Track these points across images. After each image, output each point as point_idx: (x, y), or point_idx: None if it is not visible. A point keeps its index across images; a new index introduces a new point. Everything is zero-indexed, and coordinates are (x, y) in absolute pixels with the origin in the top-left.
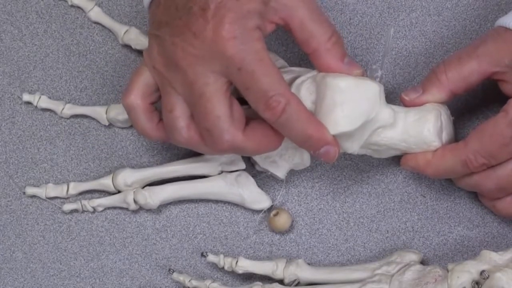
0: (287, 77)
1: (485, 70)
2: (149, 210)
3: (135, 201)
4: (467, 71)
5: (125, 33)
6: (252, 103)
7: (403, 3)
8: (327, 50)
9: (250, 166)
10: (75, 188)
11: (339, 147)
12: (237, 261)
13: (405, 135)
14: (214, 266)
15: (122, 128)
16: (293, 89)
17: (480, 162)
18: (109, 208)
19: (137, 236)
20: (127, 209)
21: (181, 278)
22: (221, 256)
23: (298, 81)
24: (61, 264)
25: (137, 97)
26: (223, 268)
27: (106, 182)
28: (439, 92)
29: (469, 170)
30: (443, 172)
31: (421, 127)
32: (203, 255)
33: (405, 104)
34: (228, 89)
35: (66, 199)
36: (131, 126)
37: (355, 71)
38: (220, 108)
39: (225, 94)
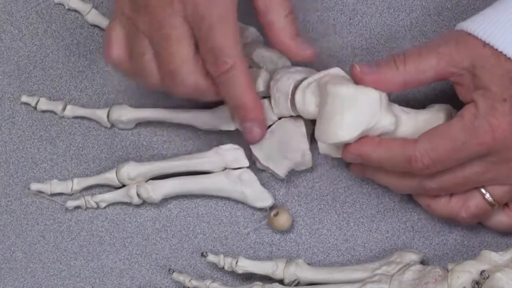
0: (297, 77)
1: (443, 68)
2: (149, 210)
3: (138, 195)
4: (425, 66)
5: None
6: (202, 52)
7: (403, 3)
8: (282, 26)
9: (251, 164)
10: (79, 183)
11: (264, 132)
12: (237, 261)
13: (417, 135)
14: (214, 266)
15: (124, 129)
16: (299, 91)
17: (425, 162)
18: (112, 204)
19: (137, 236)
20: (130, 204)
21: (181, 278)
22: (221, 256)
23: (305, 83)
24: (61, 264)
25: (120, 51)
26: (223, 268)
27: (110, 176)
28: (393, 77)
29: (409, 168)
30: (384, 160)
31: (433, 126)
32: (203, 255)
33: (353, 75)
34: (193, 36)
35: (71, 195)
36: (134, 128)
37: (306, 51)
38: (185, 51)
39: (190, 39)
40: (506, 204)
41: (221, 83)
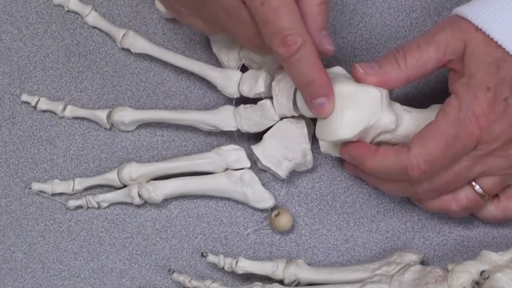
0: None
1: (442, 57)
2: (149, 210)
3: (139, 195)
4: (425, 58)
5: (123, 37)
6: (268, 37)
7: (403, 3)
8: (313, 14)
9: (253, 163)
10: (80, 183)
11: (333, 106)
12: (237, 261)
13: None
14: (214, 266)
15: (126, 131)
16: None
17: (422, 168)
18: (113, 203)
19: (137, 236)
20: (130, 204)
21: (181, 278)
22: (221, 256)
23: None
24: (61, 264)
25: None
26: (223, 268)
27: (111, 177)
28: (395, 75)
29: (406, 177)
30: (380, 169)
31: None
32: (203, 255)
33: (356, 77)
34: (256, 24)
35: (72, 195)
36: (135, 130)
37: (327, 46)
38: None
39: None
40: (496, 195)
41: (291, 65)
